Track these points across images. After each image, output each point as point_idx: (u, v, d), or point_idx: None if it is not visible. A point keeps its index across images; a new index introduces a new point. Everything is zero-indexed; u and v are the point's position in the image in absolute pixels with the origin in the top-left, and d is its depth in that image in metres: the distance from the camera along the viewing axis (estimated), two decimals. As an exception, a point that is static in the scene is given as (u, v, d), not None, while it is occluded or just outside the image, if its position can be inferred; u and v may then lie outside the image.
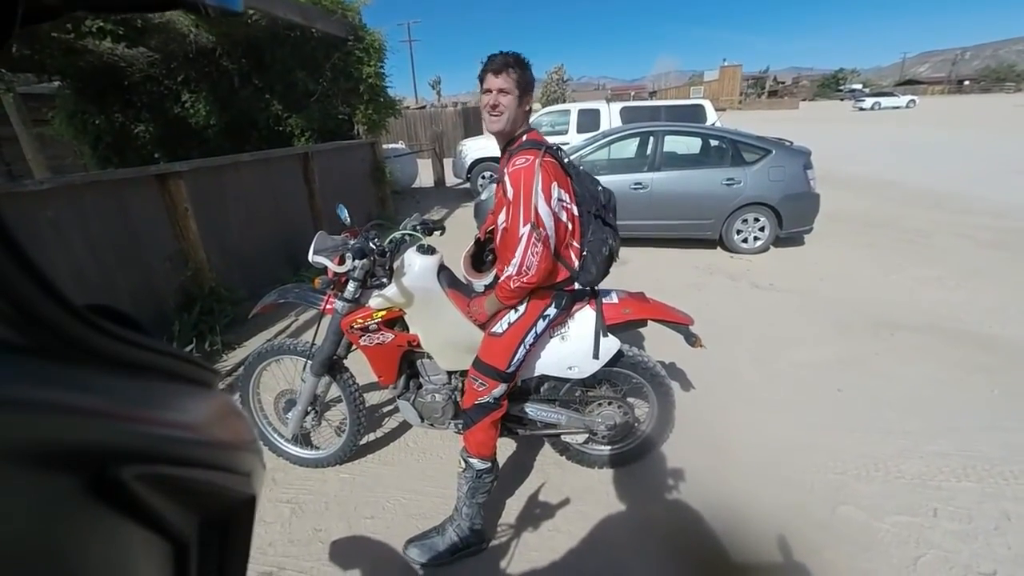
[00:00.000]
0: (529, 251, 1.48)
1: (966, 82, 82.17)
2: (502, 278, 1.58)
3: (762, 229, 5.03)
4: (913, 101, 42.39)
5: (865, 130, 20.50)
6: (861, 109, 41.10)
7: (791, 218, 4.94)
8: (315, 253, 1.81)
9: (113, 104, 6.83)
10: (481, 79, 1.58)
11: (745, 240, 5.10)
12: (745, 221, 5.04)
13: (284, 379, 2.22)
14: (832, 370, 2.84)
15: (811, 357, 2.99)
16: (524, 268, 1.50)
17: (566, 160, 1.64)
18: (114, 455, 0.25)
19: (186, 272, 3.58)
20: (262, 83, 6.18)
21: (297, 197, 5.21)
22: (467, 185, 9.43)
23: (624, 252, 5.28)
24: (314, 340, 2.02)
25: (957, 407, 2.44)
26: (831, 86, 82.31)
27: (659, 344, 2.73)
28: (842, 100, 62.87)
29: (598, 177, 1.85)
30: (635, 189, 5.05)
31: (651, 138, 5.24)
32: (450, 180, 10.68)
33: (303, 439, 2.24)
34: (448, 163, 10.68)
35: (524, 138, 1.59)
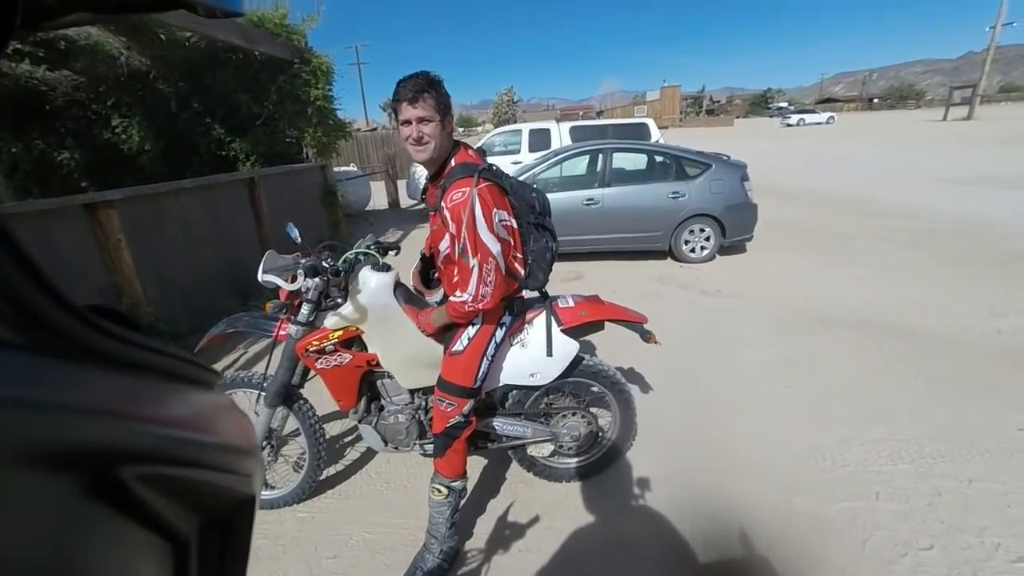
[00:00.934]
0: (483, 281, 1.49)
1: (875, 100, 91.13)
2: (456, 301, 1.56)
3: (708, 239, 5.31)
4: (832, 117, 46.44)
5: (792, 144, 22.22)
6: (788, 125, 44.55)
7: (733, 227, 5.25)
8: (265, 272, 1.74)
9: (32, 131, 6.34)
10: (395, 110, 1.49)
11: (693, 250, 5.36)
12: (692, 232, 5.30)
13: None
14: (779, 368, 3.01)
15: (759, 357, 3.16)
16: (480, 296, 1.50)
17: (500, 174, 1.61)
18: (114, 455, 0.25)
19: (121, 306, 3.34)
20: (202, 106, 5.95)
21: (243, 224, 5.00)
22: (422, 206, 9.38)
23: (579, 266, 5.37)
24: (267, 370, 1.93)
25: (888, 395, 2.65)
26: (761, 104, 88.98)
27: (617, 350, 2.80)
28: (771, 117, 67.92)
29: (551, 195, 1.90)
30: (587, 205, 5.22)
31: (600, 155, 5.45)
32: (405, 202, 10.60)
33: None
34: (402, 185, 10.61)
35: (453, 163, 1.55)
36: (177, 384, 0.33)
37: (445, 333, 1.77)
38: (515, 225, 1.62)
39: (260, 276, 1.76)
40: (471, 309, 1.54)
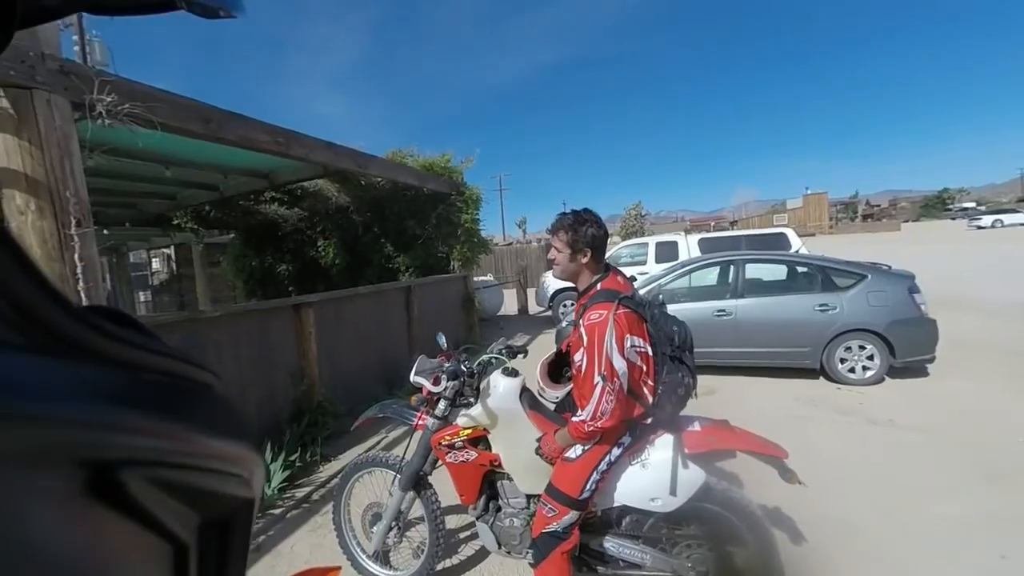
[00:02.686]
0: (604, 400, 1.55)
1: (1112, 196, 72.81)
2: (576, 419, 1.63)
3: (870, 358, 4.59)
4: (1044, 217, 38.11)
5: (987, 249, 18.52)
6: (979, 228, 37.63)
7: (904, 346, 4.48)
8: (416, 374, 2.06)
9: (267, 250, 8.57)
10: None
11: (852, 370, 4.64)
12: (849, 349, 4.65)
13: (374, 492, 2.35)
14: (989, 529, 2.32)
15: (956, 511, 2.49)
16: (599, 414, 1.56)
17: (641, 303, 1.71)
18: (114, 457, 0.25)
19: (301, 387, 4.08)
20: (380, 230, 7.47)
21: (398, 324, 5.87)
22: (549, 313, 9.87)
23: (711, 380, 5.03)
24: (404, 454, 2.17)
25: None
26: (936, 206, 77.34)
27: (754, 487, 2.48)
28: (953, 220, 58.25)
29: (679, 305, 1.93)
30: (719, 316, 5.00)
31: (731, 266, 5.30)
32: (533, 308, 11.26)
33: (383, 557, 2.27)
34: (531, 293, 11.38)
35: (599, 287, 1.71)
36: (177, 384, 0.33)
37: (560, 420, 1.83)
38: (649, 352, 1.68)
39: (412, 377, 2.07)
40: (591, 429, 1.58)
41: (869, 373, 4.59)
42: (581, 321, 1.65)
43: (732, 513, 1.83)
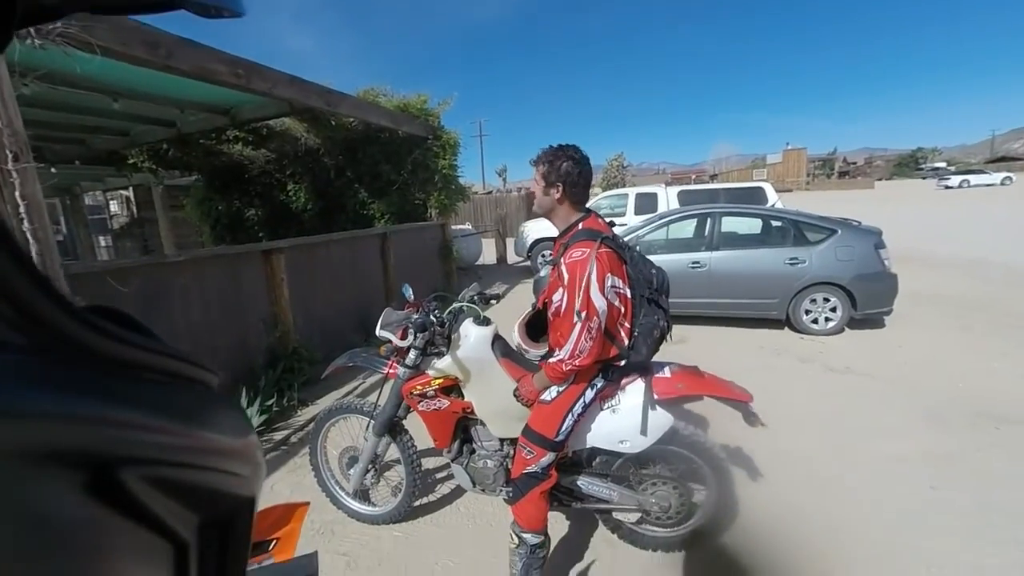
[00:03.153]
0: (582, 338, 1.56)
1: (1073, 158, 75.35)
2: (553, 359, 1.65)
3: (833, 310, 4.79)
4: (1009, 178, 39.37)
5: (952, 209, 19.16)
6: (947, 187, 38.71)
7: (866, 299, 4.68)
8: (381, 328, 2.02)
9: (234, 193, 8.14)
10: None
11: (815, 321, 4.85)
12: (814, 301, 4.83)
13: (349, 436, 2.39)
14: (924, 465, 2.54)
15: (898, 449, 2.70)
16: (576, 353, 1.57)
17: (622, 245, 1.72)
18: (114, 456, 0.25)
19: (275, 333, 4.03)
20: (353, 175, 7.15)
21: (374, 271, 5.77)
22: (527, 263, 9.86)
23: (683, 330, 5.17)
24: (377, 402, 2.18)
25: (1089, 520, 2.08)
26: (909, 165, 78.77)
27: (721, 426, 2.62)
28: (924, 179, 59.63)
29: (655, 256, 1.92)
30: (693, 268, 5.08)
31: (708, 219, 5.33)
32: (512, 258, 11.22)
33: (362, 495, 2.35)
34: (510, 242, 11.30)
35: (580, 226, 1.69)
36: (177, 384, 0.33)
37: (532, 365, 1.86)
38: (628, 294, 1.69)
39: (377, 331, 2.03)
40: (568, 368, 1.60)
41: (831, 324, 4.80)
42: (562, 260, 1.64)
43: (695, 454, 1.93)
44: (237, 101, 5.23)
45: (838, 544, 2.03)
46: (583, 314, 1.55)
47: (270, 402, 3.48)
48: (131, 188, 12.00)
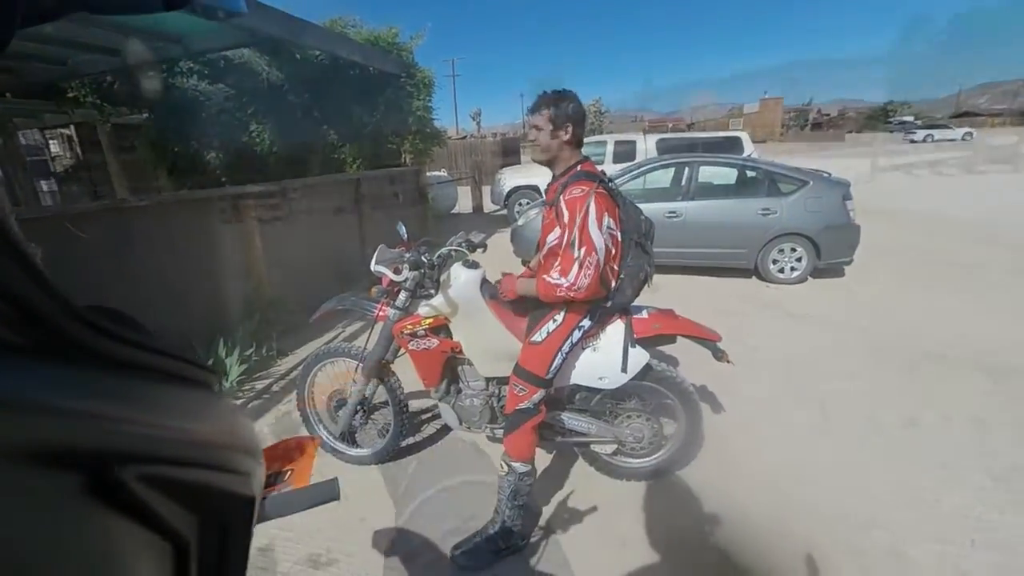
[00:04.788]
0: (583, 272, 1.62)
1: (1030, 114, 77.81)
2: (551, 280, 1.67)
3: (799, 259, 5.01)
4: (970, 134, 40.54)
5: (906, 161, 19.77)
6: (912, 142, 39.67)
7: (829, 249, 4.90)
8: (377, 263, 2.03)
9: (191, 134, 7.59)
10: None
11: (782, 270, 5.07)
12: (782, 251, 5.03)
13: (337, 380, 2.43)
14: (869, 400, 2.80)
15: (846, 387, 2.96)
16: (576, 286, 1.63)
17: (614, 190, 1.77)
18: (114, 455, 0.25)
19: (250, 283, 3.94)
20: (321, 116, 6.75)
21: (347, 219, 5.61)
22: (504, 211, 9.76)
23: (657, 279, 5.33)
24: (366, 345, 2.22)
25: (1007, 442, 2.37)
26: (879, 119, 79.85)
27: (689, 367, 2.80)
28: (891, 132, 60.83)
29: None
30: (669, 217, 5.16)
31: (686, 168, 5.36)
32: (488, 207, 11.06)
33: (349, 437, 2.43)
34: (486, 190, 11.09)
35: (579, 168, 1.74)
36: (177, 384, 0.33)
37: (520, 307, 1.93)
38: (619, 237, 1.76)
39: (373, 266, 2.04)
40: (563, 295, 1.66)
41: (796, 273, 5.04)
42: (561, 197, 1.67)
43: (668, 389, 2.08)
44: (190, 28, 4.77)
45: (790, 465, 2.26)
46: (583, 249, 1.61)
47: (249, 351, 3.46)
48: (73, 127, 11.01)
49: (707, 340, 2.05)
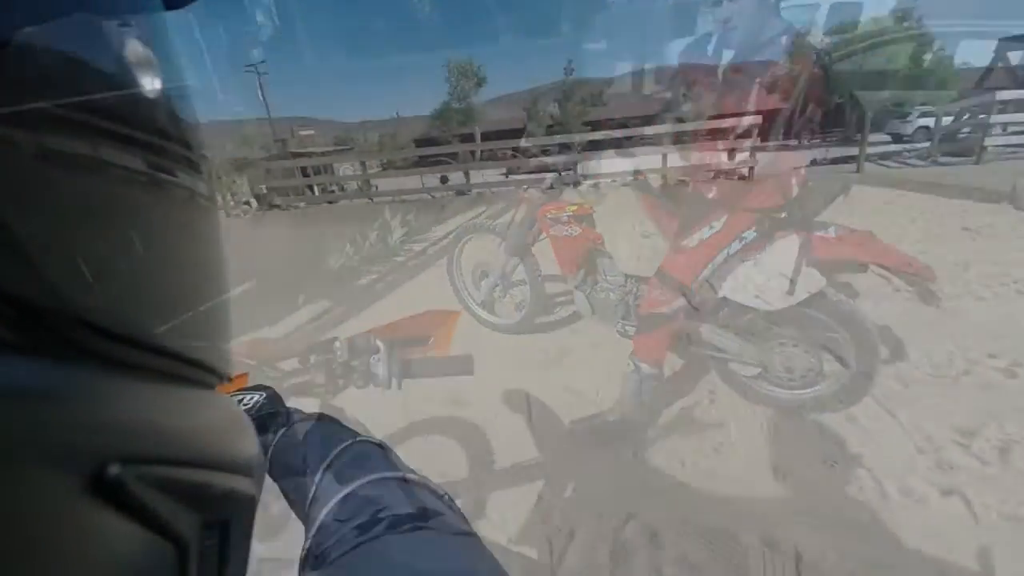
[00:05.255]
0: None
1: None
2: None
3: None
4: None
5: None
6: None
7: None
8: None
9: None
10: None
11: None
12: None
13: (484, 253, 2.58)
14: None
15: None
16: None
17: None
18: (114, 455, 0.24)
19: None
20: None
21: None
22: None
23: (870, 192, 4.27)
24: (511, 223, 2.27)
25: None
26: None
27: (877, 304, 2.30)
28: None
29: None
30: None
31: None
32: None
33: (489, 306, 2.65)
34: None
35: None
36: (178, 385, 0.33)
37: (674, 204, 1.74)
38: None
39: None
40: None
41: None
42: None
43: (840, 324, 1.76)
44: None
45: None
46: None
47: (409, 215, 3.88)
48: None
49: (914, 275, 1.62)
